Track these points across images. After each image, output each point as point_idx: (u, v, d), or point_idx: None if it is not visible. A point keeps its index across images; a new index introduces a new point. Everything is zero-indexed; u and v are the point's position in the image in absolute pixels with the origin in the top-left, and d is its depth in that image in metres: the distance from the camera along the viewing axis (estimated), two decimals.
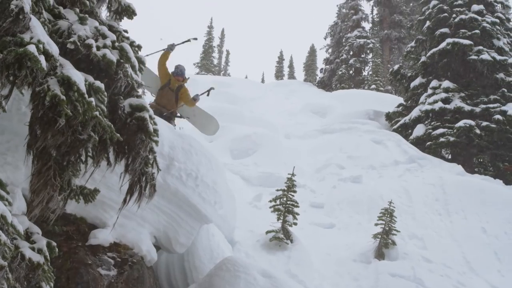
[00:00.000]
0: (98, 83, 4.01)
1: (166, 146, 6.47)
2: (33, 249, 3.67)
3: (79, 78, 3.74)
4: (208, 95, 10.11)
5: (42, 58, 3.41)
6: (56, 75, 3.65)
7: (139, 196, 4.56)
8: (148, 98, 7.04)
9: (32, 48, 3.36)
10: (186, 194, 6.52)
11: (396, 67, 24.87)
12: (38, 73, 3.45)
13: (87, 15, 4.32)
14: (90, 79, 3.99)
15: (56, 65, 3.70)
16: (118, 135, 4.08)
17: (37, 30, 3.54)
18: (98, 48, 4.11)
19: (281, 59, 52.00)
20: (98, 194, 4.65)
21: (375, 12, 43.15)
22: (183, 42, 10.27)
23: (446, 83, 20.44)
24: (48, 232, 4.61)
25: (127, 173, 4.44)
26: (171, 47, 9.81)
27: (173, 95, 9.60)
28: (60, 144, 3.74)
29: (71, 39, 4.01)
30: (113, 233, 5.62)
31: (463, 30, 20.70)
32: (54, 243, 3.95)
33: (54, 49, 3.63)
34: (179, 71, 9.80)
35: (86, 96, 3.73)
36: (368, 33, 40.51)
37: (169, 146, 6.55)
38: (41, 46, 3.46)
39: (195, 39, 10.16)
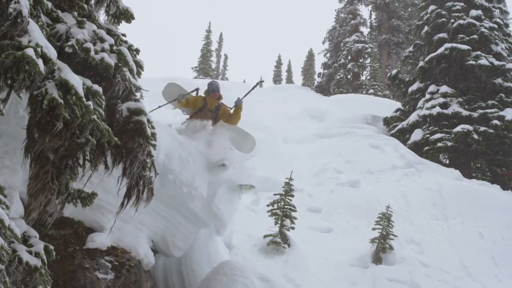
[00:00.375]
0: (96, 87, 4.01)
1: (162, 154, 6.20)
2: (30, 252, 3.66)
3: (77, 81, 3.74)
4: (260, 86, 9.76)
5: (40, 62, 3.42)
6: (54, 78, 3.65)
7: (137, 200, 4.56)
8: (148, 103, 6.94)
9: (30, 51, 3.36)
10: (184, 198, 6.50)
11: (394, 72, 24.83)
12: (36, 77, 3.45)
13: (85, 19, 4.33)
14: (88, 82, 3.99)
15: (54, 68, 3.70)
16: (116, 138, 4.09)
17: (35, 33, 3.54)
18: (96, 51, 4.12)
19: (279, 63, 51.86)
20: (96, 197, 4.62)
21: (373, 16, 43.35)
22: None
23: (444, 88, 20.45)
24: (46, 235, 4.61)
25: (124, 176, 4.44)
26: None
27: (212, 115, 9.07)
28: (58, 148, 3.74)
29: (69, 43, 4.02)
30: (111, 237, 5.61)
31: (461, 35, 20.75)
32: (52, 247, 3.94)
33: (52, 52, 3.64)
34: (215, 87, 9.19)
35: (84, 99, 3.73)
36: (366, 38, 40.60)
37: (165, 154, 6.30)
38: (39, 49, 3.46)
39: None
